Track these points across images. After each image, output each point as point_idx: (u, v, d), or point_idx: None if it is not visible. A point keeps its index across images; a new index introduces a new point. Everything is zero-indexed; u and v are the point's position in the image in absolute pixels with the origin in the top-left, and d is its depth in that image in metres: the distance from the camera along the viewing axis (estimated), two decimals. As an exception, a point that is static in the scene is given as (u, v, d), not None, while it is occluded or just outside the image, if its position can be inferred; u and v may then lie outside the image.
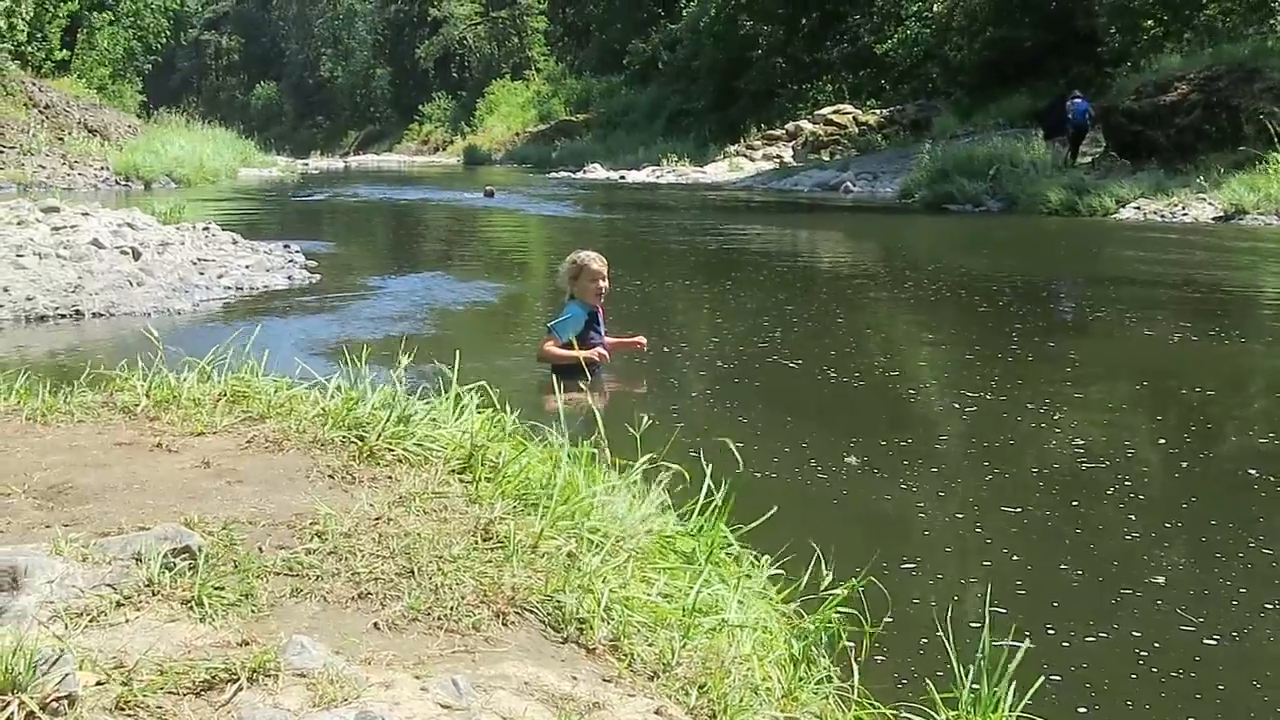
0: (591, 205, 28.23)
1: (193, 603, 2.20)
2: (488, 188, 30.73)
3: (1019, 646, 2.59)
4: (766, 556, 3.28)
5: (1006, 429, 6.32)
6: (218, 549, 2.45)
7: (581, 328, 6.94)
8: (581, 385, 6.44)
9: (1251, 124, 22.00)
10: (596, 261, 7.01)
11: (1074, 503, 5.04)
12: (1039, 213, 22.63)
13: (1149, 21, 30.48)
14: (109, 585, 2.22)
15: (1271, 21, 27.57)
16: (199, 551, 2.36)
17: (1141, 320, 10.22)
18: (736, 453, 3.61)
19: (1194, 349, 8.92)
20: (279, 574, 2.41)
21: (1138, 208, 21.98)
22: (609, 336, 7.26)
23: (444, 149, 78.02)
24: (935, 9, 40.14)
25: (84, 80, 44.93)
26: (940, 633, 2.88)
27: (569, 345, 6.85)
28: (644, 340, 7.47)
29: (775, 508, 3.37)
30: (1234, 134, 22.55)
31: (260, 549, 2.51)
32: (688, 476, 3.39)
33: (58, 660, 1.82)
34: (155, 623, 2.12)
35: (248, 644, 2.05)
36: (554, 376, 6.69)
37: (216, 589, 2.26)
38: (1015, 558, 4.34)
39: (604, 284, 7.04)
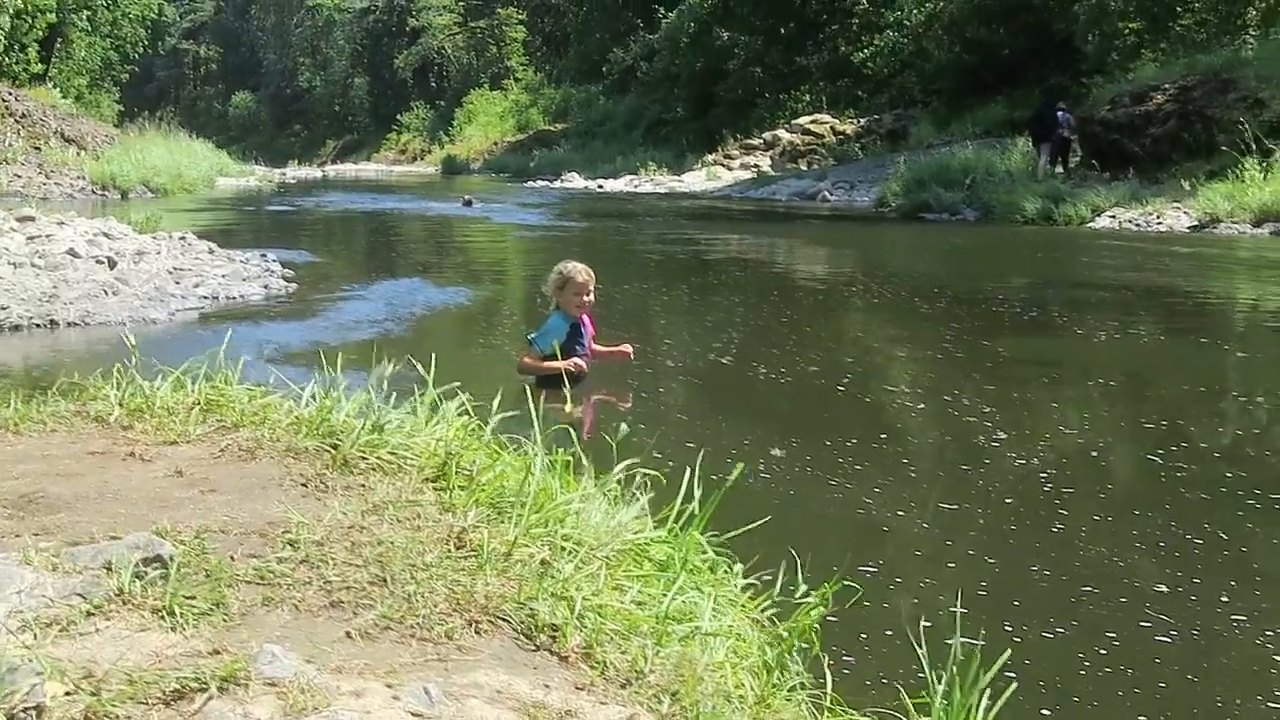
0: (569, 214, 28.25)
1: (164, 612, 2.19)
2: (466, 197, 30.73)
3: (979, 645, 2.60)
4: (740, 565, 3.28)
5: (968, 431, 6.39)
6: (189, 558, 2.44)
7: (564, 339, 6.93)
8: (562, 395, 6.45)
9: (1225, 134, 22.15)
10: (582, 274, 7.00)
11: (1035, 503, 5.08)
12: (1014, 222, 22.76)
13: (1127, 30, 30.66)
14: (79, 594, 2.20)
15: (1245, 34, 27.76)
16: (170, 560, 2.35)
17: (1099, 323, 10.35)
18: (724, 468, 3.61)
19: (1153, 351, 9.10)
20: (251, 583, 2.40)
21: (1113, 216, 22.12)
22: (598, 345, 7.26)
23: (422, 158, 78.03)
24: (913, 18, 40.28)
25: (60, 90, 44.79)
26: (890, 632, 2.89)
27: (551, 356, 6.84)
28: (629, 349, 7.46)
29: (750, 514, 3.38)
30: (1208, 143, 22.70)
31: (232, 558, 2.50)
32: (661, 480, 3.39)
33: (26, 670, 1.81)
34: (125, 632, 2.11)
35: (218, 653, 2.05)
36: (535, 387, 6.72)
37: (188, 598, 2.25)
38: (987, 559, 4.38)
39: (588, 298, 7.04)
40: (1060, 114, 26.53)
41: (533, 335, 7.07)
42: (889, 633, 3.61)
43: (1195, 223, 20.72)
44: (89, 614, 2.15)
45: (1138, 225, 21.28)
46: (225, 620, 2.23)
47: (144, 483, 3.03)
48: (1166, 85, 24.75)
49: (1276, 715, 3.26)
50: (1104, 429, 6.68)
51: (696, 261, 16.88)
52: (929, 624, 3.49)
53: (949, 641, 2.73)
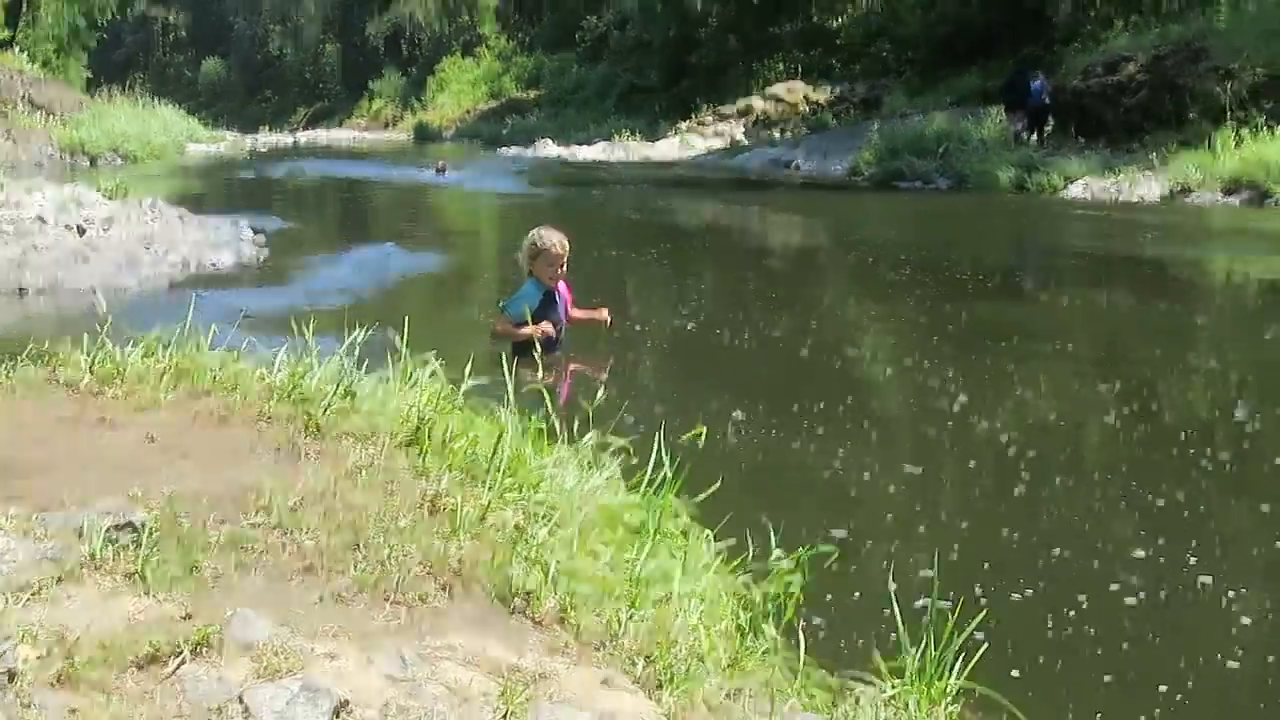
0: (541, 181, 28.13)
1: (136, 577, 2.19)
2: (439, 164, 30.50)
3: (950, 608, 2.63)
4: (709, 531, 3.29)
5: (934, 396, 6.44)
6: (162, 524, 2.43)
7: (537, 305, 6.87)
8: (535, 362, 6.43)
9: (1197, 103, 22.20)
10: (558, 247, 6.92)
11: (1002, 467, 5.13)
12: (987, 190, 22.77)
13: (1099, -1, 30.74)
14: (51, 560, 2.20)
15: (1217, 4, 27.80)
16: (142, 526, 2.35)
17: (1066, 291, 10.44)
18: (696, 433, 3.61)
19: (1118, 317, 9.24)
20: (224, 548, 2.39)
21: (1085, 185, 22.14)
22: (576, 310, 7.22)
23: (394, 125, 77.42)
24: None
25: (28, 55, 44.19)
26: (860, 594, 2.91)
27: (524, 323, 6.79)
28: (607, 313, 7.38)
29: (722, 479, 3.39)
30: (1179, 113, 22.74)
31: (205, 523, 2.49)
32: (631, 450, 3.39)
33: (-2, 634, 1.81)
34: (97, 597, 2.11)
35: (191, 617, 2.05)
36: (512, 353, 6.69)
37: (160, 563, 2.25)
38: (957, 523, 4.42)
39: (561, 269, 6.99)
40: (1037, 83, 26.45)
41: (505, 302, 7.04)
42: (858, 595, 3.64)
43: (1166, 192, 20.76)
44: (61, 579, 2.15)
45: (1110, 194, 21.33)
46: (198, 585, 2.23)
47: (115, 449, 3.01)
48: (1138, 55, 24.77)
49: (1239, 672, 3.30)
50: (1070, 394, 6.72)
51: (668, 229, 16.89)
52: (898, 587, 3.51)
53: (919, 604, 2.75)
